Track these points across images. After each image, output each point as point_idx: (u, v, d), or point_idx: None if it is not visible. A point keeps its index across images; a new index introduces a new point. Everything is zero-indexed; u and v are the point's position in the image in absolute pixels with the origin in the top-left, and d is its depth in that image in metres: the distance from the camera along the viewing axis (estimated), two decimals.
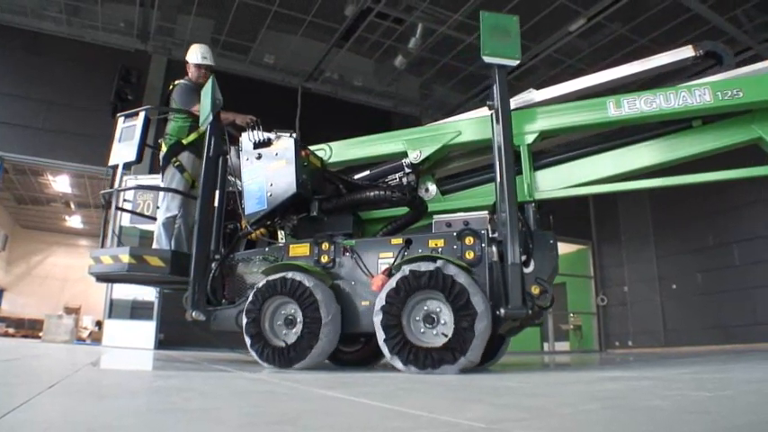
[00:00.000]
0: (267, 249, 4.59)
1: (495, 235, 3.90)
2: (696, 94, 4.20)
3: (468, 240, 3.87)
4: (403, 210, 4.77)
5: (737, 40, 10.68)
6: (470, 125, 4.82)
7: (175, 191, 5.34)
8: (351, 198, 4.65)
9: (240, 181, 4.69)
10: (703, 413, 1.64)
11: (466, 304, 3.41)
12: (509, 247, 3.65)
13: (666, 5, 9.82)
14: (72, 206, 20.93)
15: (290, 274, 4.01)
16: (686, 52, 4.91)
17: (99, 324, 15.21)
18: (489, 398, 2.11)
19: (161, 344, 9.02)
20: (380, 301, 3.65)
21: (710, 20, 10.09)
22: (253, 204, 4.43)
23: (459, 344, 3.37)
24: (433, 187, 4.94)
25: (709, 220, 12.55)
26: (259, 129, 4.58)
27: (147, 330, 9.00)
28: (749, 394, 2.09)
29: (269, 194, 4.36)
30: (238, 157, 4.74)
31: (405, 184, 4.85)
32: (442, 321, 3.54)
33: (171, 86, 5.93)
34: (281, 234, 4.79)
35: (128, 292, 9.08)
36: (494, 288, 3.69)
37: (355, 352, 5.09)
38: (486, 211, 4.23)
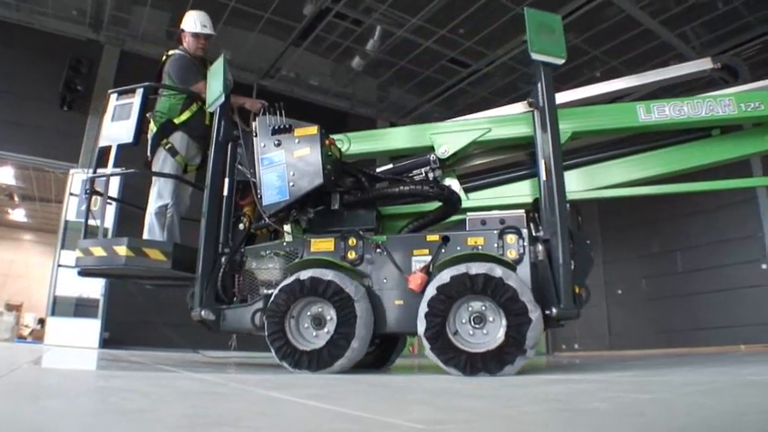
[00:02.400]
0: (285, 243, 4.35)
1: (540, 233, 3.84)
2: (722, 104, 4.33)
3: (510, 239, 3.79)
4: (428, 206, 4.56)
5: (685, 56, 11.02)
6: (500, 122, 4.72)
7: (175, 176, 4.92)
8: (381, 192, 4.38)
9: (250, 169, 4.44)
10: (640, 415, 1.68)
11: (519, 307, 3.35)
12: (559, 247, 3.66)
13: (619, 20, 10.09)
14: (16, 198, 20.25)
15: (320, 272, 3.79)
16: (705, 64, 5.02)
17: (41, 322, 14.76)
18: (434, 399, 2.12)
19: (106, 343, 8.79)
20: (425, 302, 3.52)
21: (660, 35, 10.42)
22: (272, 195, 4.11)
23: (515, 346, 3.31)
24: (456, 184, 4.77)
25: (655, 227, 12.94)
26: (281, 114, 4.27)
27: (91, 329, 8.75)
28: (686, 396, 2.15)
29: (291, 184, 4.06)
30: (243, 145, 4.53)
31: (431, 179, 4.63)
32: (490, 320, 3.46)
33: (164, 57, 5.34)
34: (286, 228, 4.51)
35: (72, 288, 8.81)
36: (536, 287, 3.60)
37: (367, 354, 4.74)
38: (523, 210, 4.12)
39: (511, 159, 4.95)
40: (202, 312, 4.12)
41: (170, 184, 4.95)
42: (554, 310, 3.54)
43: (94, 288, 8.73)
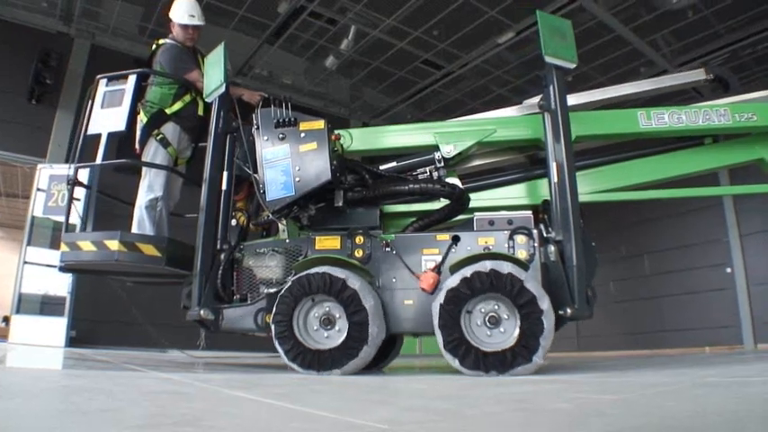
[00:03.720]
0: (288, 241, 4.19)
1: (552, 234, 3.88)
2: (717, 114, 4.49)
3: (521, 239, 3.84)
4: (428, 204, 4.52)
5: (655, 63, 11.24)
6: (505, 124, 4.75)
7: (168, 168, 4.73)
8: (389, 189, 4.29)
9: (246, 163, 4.32)
10: (602, 415, 1.71)
11: (533, 306, 3.38)
12: (573, 248, 3.72)
13: (592, 26, 10.21)
14: None
15: (330, 270, 3.66)
16: (699, 74, 5.16)
17: (6, 319, 14.45)
18: (398, 400, 2.13)
19: (73, 342, 8.62)
20: (438, 302, 3.51)
21: (632, 42, 10.57)
22: (277, 190, 4.00)
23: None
24: (458, 184, 4.68)
25: (623, 232, 13.14)
26: (287, 106, 4.15)
27: (57, 327, 8.59)
28: (648, 397, 2.18)
29: (297, 180, 3.96)
30: (239, 138, 4.39)
31: (436, 178, 4.56)
32: (504, 321, 3.48)
33: (155, 45, 5.14)
34: (281, 225, 4.37)
35: (38, 285, 8.64)
36: (548, 288, 3.61)
37: None
38: (530, 211, 4.15)
39: (509, 162, 5.02)
40: (202, 312, 3.92)
41: (161, 177, 4.75)
42: (568, 311, 3.60)
43: (61, 285, 8.57)
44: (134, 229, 4.65)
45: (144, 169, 4.83)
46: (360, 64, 11.95)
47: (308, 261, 3.85)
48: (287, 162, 4.03)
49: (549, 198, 4.12)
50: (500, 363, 3.33)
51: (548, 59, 4.14)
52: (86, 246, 4.22)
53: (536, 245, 3.82)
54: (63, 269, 4.55)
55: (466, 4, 9.63)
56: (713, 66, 5.40)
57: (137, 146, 4.88)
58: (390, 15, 10.14)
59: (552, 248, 3.80)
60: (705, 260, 12.00)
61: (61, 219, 7.08)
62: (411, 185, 4.26)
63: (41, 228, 8.56)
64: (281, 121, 4.12)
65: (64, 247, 4.31)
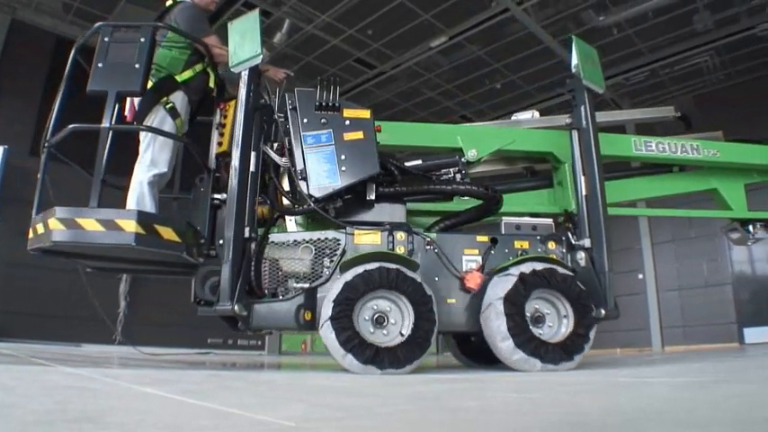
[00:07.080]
0: (323, 233, 3.95)
1: (581, 242, 4.16)
2: (690, 147, 5.12)
3: (551, 245, 4.16)
4: (445, 205, 4.66)
5: None
6: (524, 135, 4.97)
7: (189, 145, 4.22)
8: (425, 187, 4.31)
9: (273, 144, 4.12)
10: (504, 413, 1.74)
11: (586, 303, 3.78)
12: (604, 256, 4.05)
13: (522, 36, 10.54)
14: None
15: (395, 266, 3.53)
16: (668, 111, 5.67)
17: None
18: (312, 397, 2.11)
19: None
20: (498, 298, 3.66)
21: (559, 54, 10.93)
22: (321, 177, 3.83)
23: (582, 338, 3.70)
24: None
25: None
26: (335, 88, 4.00)
27: None
28: (557, 395, 2.23)
29: (342, 169, 3.82)
30: (271, 117, 4.24)
31: (459, 179, 4.56)
32: (549, 325, 3.81)
33: (170, 2, 4.55)
34: (290, 216, 4.18)
35: None
36: None
37: None
38: (551, 219, 4.47)
39: (504, 171, 5.41)
40: (236, 307, 3.50)
41: (166, 152, 4.18)
42: (602, 312, 3.92)
43: None
44: (131, 208, 3.95)
45: (146, 141, 4.21)
46: (292, 58, 11.80)
47: (360, 257, 3.69)
48: (330, 149, 3.89)
49: (569, 208, 4.54)
50: (555, 353, 3.65)
51: (584, 82, 4.44)
52: (90, 224, 3.44)
53: (563, 250, 4.16)
54: (45, 251, 3.69)
55: (401, 5, 9.72)
56: (680, 105, 5.93)
57: (126, 113, 4.25)
58: (325, 12, 10.11)
59: (582, 255, 4.12)
60: (620, 266, 12.35)
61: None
62: (454, 186, 4.36)
63: None
64: (323, 104, 3.99)
65: (56, 224, 3.44)
